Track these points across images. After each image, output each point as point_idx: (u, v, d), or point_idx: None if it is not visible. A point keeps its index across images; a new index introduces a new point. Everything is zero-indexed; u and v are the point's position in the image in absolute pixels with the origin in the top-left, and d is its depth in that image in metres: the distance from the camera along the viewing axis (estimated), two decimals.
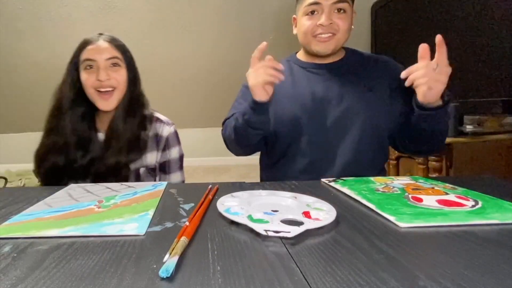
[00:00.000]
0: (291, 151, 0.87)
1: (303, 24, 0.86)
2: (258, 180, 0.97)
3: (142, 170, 0.84)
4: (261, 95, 0.73)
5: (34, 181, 2.76)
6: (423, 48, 0.70)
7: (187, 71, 3.12)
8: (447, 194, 0.54)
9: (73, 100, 0.82)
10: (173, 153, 0.91)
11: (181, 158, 0.93)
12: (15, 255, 0.37)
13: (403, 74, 0.72)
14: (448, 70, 0.69)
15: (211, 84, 3.15)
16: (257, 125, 0.78)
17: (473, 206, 0.48)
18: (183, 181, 0.93)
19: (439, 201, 0.50)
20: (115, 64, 0.81)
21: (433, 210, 0.47)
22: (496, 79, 1.62)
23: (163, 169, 0.89)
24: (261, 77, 0.71)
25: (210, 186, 0.63)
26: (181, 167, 0.93)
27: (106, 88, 0.80)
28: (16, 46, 3.04)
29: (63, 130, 0.81)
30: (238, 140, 0.85)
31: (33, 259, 0.36)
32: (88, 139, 0.83)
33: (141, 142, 0.84)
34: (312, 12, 0.83)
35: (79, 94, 0.82)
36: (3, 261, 0.35)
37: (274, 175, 0.91)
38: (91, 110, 0.85)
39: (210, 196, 0.57)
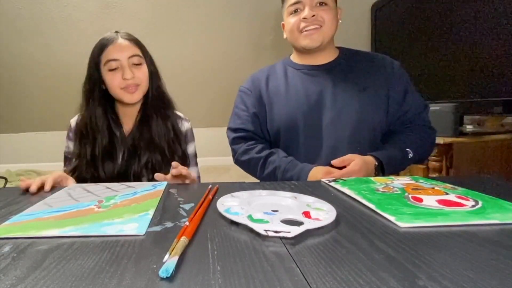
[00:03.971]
0: (288, 151, 0.88)
1: (288, 22, 0.89)
2: (258, 180, 0.97)
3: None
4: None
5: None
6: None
7: (187, 72, 3.12)
8: (447, 194, 0.54)
9: (99, 98, 0.82)
10: (191, 148, 0.91)
11: (195, 154, 0.93)
12: (15, 255, 0.37)
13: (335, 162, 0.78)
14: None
15: (212, 84, 3.15)
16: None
17: (473, 206, 0.48)
18: (199, 177, 0.93)
19: (439, 201, 0.50)
20: (137, 62, 0.81)
21: (433, 210, 0.47)
22: (496, 79, 1.62)
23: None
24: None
25: (210, 186, 0.63)
26: (196, 164, 0.93)
27: (131, 87, 0.81)
28: (16, 46, 3.03)
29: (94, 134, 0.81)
30: (261, 178, 0.90)
31: (33, 259, 0.36)
32: (113, 141, 0.83)
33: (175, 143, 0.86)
34: (296, 11, 0.86)
35: (100, 92, 0.83)
36: (3, 261, 0.35)
37: None
38: (113, 109, 0.86)
39: (210, 196, 0.57)
